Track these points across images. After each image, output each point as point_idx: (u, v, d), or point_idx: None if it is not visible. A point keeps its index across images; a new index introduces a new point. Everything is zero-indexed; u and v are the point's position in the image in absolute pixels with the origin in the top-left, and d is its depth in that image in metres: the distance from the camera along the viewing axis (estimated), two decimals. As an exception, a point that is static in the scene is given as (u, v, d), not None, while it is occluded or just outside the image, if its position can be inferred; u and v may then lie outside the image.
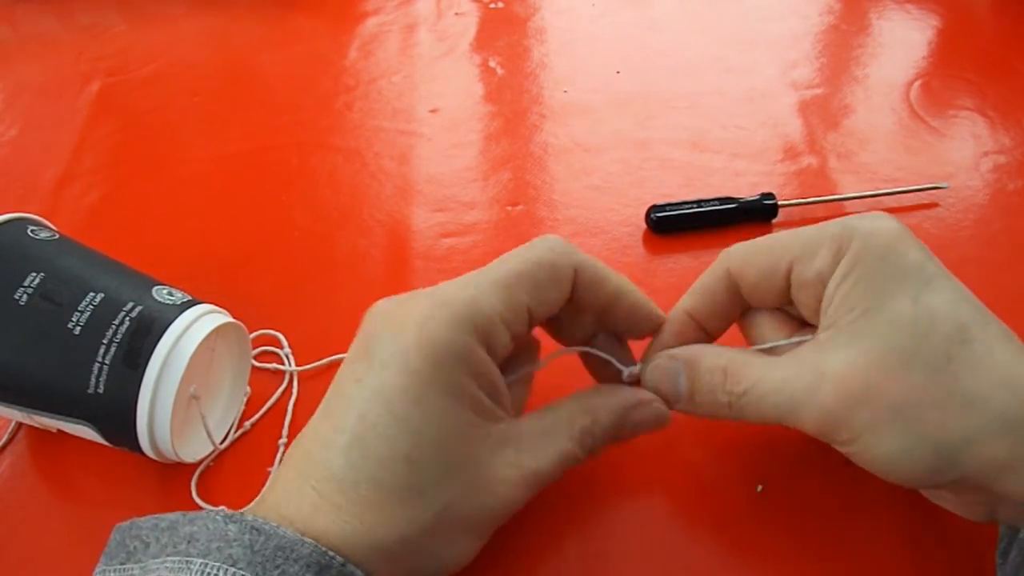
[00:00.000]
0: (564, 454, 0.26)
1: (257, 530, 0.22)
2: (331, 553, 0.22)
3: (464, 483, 0.24)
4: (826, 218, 0.27)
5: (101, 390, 0.28)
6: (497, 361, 0.26)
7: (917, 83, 0.49)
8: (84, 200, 0.45)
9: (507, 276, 0.26)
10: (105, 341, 0.28)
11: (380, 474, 0.23)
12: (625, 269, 0.38)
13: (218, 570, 0.21)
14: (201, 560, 0.21)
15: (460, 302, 0.25)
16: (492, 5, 0.58)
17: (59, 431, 0.31)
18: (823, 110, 0.48)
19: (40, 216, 0.32)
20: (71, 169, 0.47)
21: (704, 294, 0.29)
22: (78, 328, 0.28)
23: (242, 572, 0.21)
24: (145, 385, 0.28)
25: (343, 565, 0.22)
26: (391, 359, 0.24)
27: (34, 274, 0.29)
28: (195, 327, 0.29)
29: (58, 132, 0.49)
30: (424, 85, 0.51)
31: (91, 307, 0.28)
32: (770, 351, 0.28)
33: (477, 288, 0.25)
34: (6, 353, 0.28)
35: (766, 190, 0.41)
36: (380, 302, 0.26)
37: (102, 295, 0.29)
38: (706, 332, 0.30)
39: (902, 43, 0.52)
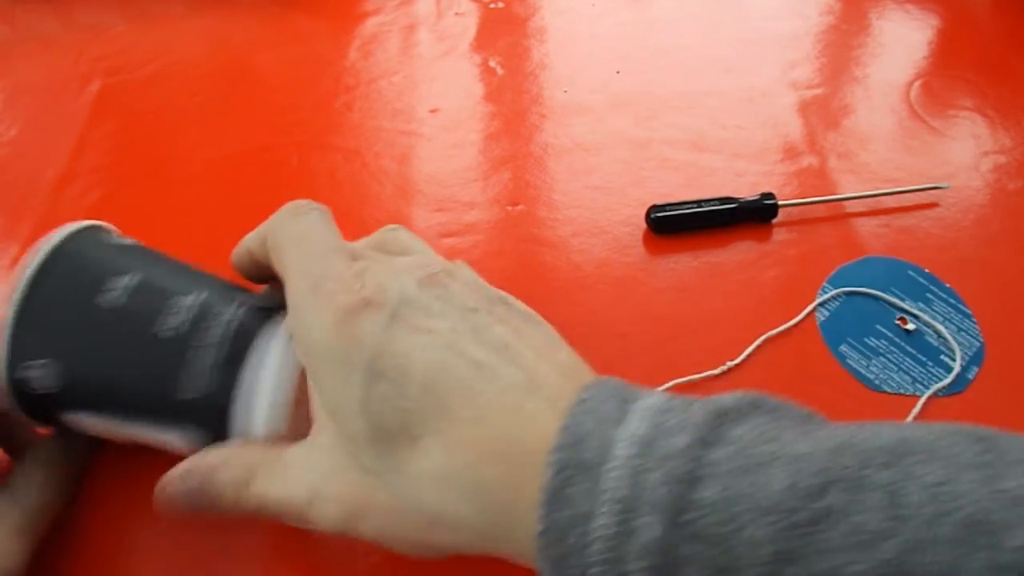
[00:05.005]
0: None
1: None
2: None
3: None
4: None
5: (198, 395, 0.27)
6: None
7: (917, 83, 0.49)
8: (84, 200, 0.45)
9: None
10: (201, 345, 0.27)
11: None
12: (625, 269, 0.39)
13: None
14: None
15: None
16: (492, 5, 0.58)
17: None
18: (823, 110, 0.48)
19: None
20: (71, 169, 0.47)
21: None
22: (171, 332, 0.27)
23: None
24: (243, 391, 0.27)
25: None
26: None
27: (123, 276, 0.28)
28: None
29: (58, 132, 0.49)
30: (424, 85, 0.51)
31: (184, 312, 0.27)
32: None
33: None
34: (96, 362, 0.27)
35: (766, 190, 0.41)
36: None
37: (201, 298, 0.28)
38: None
39: (902, 43, 0.52)
